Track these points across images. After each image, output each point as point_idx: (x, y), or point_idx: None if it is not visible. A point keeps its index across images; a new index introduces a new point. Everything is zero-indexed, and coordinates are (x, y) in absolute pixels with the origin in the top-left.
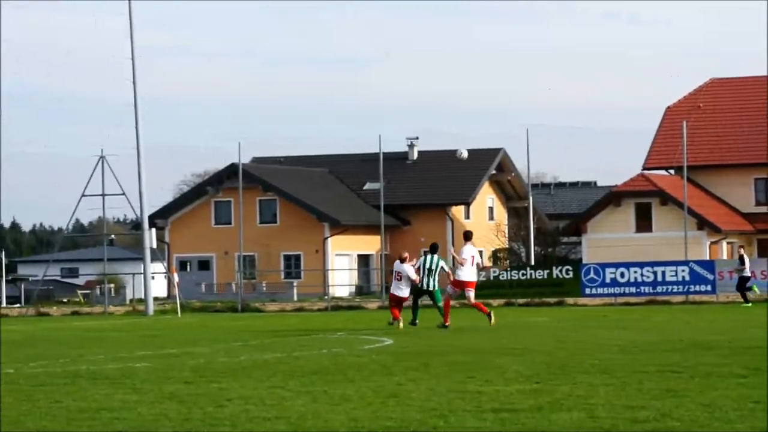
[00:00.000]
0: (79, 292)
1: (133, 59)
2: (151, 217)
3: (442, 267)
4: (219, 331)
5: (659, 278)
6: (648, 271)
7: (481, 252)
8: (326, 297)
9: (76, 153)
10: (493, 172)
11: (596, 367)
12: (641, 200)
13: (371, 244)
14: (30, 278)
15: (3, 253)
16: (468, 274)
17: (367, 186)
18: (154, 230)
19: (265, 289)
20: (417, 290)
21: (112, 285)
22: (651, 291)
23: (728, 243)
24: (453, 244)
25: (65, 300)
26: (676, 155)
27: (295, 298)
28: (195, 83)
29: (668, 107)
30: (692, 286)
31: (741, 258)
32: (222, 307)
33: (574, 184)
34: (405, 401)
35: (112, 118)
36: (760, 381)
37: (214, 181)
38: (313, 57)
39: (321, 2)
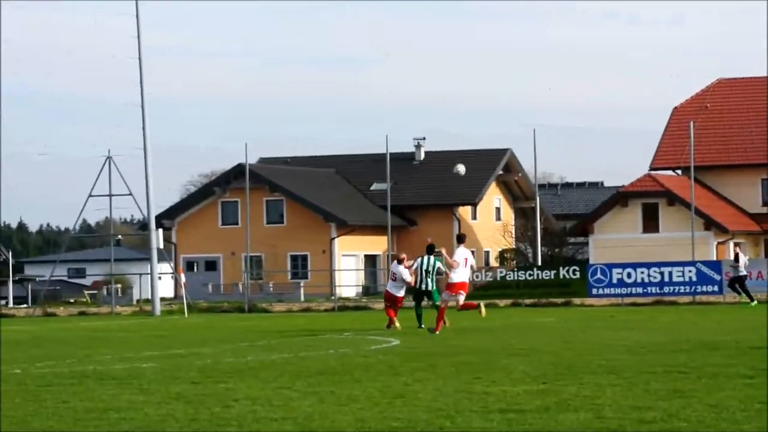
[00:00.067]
0: (86, 292)
1: (140, 60)
2: (158, 218)
3: (439, 267)
4: (226, 332)
5: (666, 279)
6: (655, 271)
7: (473, 252)
8: (333, 297)
9: (77, 153)
10: (500, 172)
11: (603, 367)
12: (648, 200)
13: (378, 245)
14: (37, 278)
15: (10, 253)
16: (461, 275)
17: (374, 186)
18: (161, 231)
19: (272, 289)
20: (417, 293)
21: (119, 285)
22: (658, 291)
23: (735, 243)
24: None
25: (72, 300)
26: (683, 155)
27: (302, 298)
28: (195, 83)
29: (675, 107)
30: (699, 287)
31: (736, 256)
32: (229, 308)
33: (581, 185)
34: (412, 402)
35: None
36: (766, 382)
37: (221, 181)
38: (313, 57)
39: (321, 2)
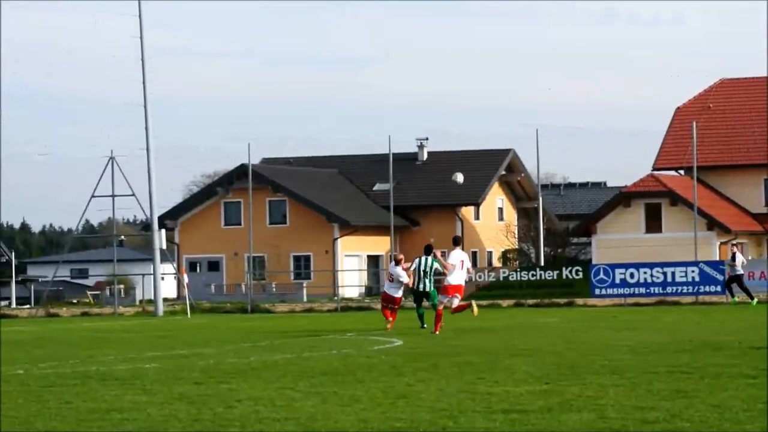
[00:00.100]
0: (88, 293)
1: (143, 60)
2: (161, 218)
3: (436, 268)
4: (228, 332)
5: (669, 279)
6: (658, 271)
7: (475, 252)
8: (336, 298)
9: (77, 153)
10: (503, 172)
11: (606, 367)
12: (651, 201)
13: (381, 245)
14: (40, 279)
15: (13, 254)
16: (456, 278)
17: (377, 187)
18: (163, 231)
19: (274, 289)
20: (416, 294)
21: (121, 286)
22: (661, 291)
23: (738, 243)
24: (462, 246)
25: (75, 301)
26: (686, 156)
27: (305, 298)
28: (195, 83)
29: (678, 108)
30: (702, 287)
31: (733, 255)
32: (231, 308)
33: (583, 185)
34: (415, 402)
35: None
36: None
37: (223, 181)
38: (313, 57)
39: (321, 2)
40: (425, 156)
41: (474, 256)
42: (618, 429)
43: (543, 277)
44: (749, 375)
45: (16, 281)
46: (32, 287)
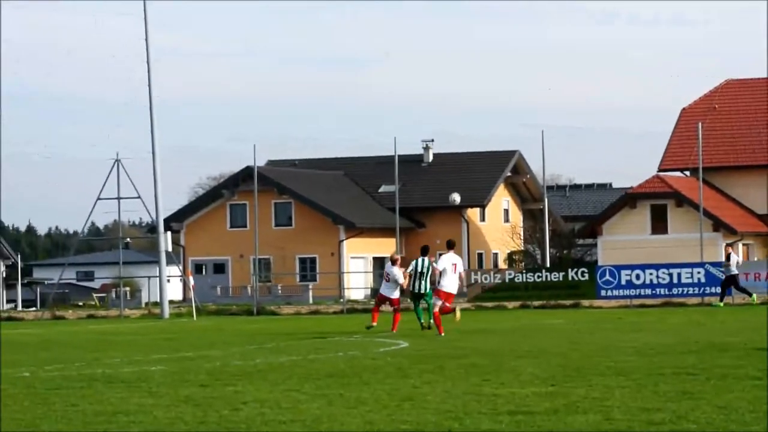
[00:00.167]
0: (94, 295)
1: (148, 62)
2: (167, 221)
3: (434, 268)
4: (234, 335)
5: (675, 280)
6: (663, 272)
7: (480, 253)
8: (342, 300)
9: (77, 153)
10: (509, 174)
11: (612, 369)
12: (657, 202)
13: (386, 247)
14: (46, 281)
15: (19, 256)
16: (448, 284)
17: (383, 188)
18: (169, 233)
19: (280, 292)
20: (413, 295)
21: (127, 288)
22: (666, 293)
23: (744, 245)
24: (468, 247)
25: (81, 303)
26: (691, 157)
27: (311, 300)
28: (194, 84)
29: (683, 108)
30: (708, 288)
31: (728, 256)
32: (237, 310)
33: (589, 186)
34: (420, 404)
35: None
36: None
37: (229, 184)
38: (313, 57)
39: (321, 2)
40: (431, 158)
41: (479, 258)
42: (624, 430)
43: (549, 279)
44: (755, 376)
45: (21, 284)
46: (38, 290)
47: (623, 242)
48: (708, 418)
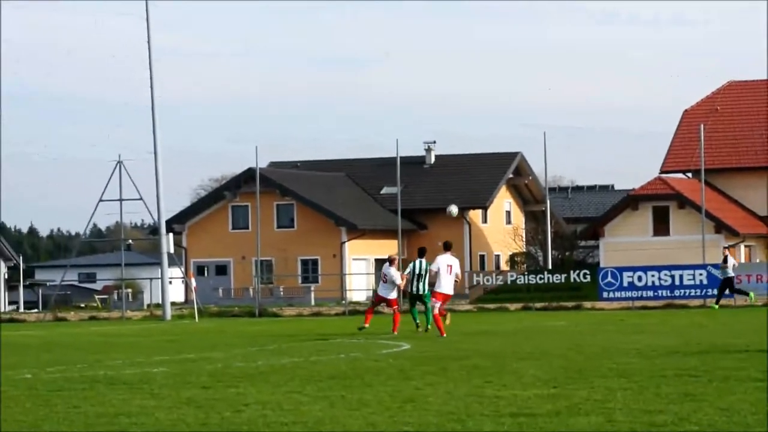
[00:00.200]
0: (96, 297)
1: (150, 64)
2: (169, 222)
3: (431, 270)
4: (236, 336)
5: (677, 282)
6: (665, 274)
7: (483, 257)
8: (344, 301)
9: (77, 154)
10: (510, 175)
11: (614, 371)
12: (659, 204)
13: (388, 249)
14: (48, 283)
15: (21, 258)
16: (444, 286)
17: (385, 190)
18: (171, 235)
19: (282, 293)
20: (411, 297)
21: (129, 290)
22: (668, 295)
23: (746, 246)
24: (470, 249)
25: (83, 305)
26: (693, 158)
27: (313, 302)
28: (193, 84)
29: (685, 110)
30: (710, 290)
31: (725, 258)
32: (239, 312)
33: (591, 188)
34: (422, 406)
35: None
36: None
37: (231, 185)
38: (314, 57)
39: (321, 2)
40: (433, 159)
41: (481, 260)
42: None
43: (551, 281)
44: (757, 378)
45: (23, 285)
46: (40, 291)
47: (625, 244)
48: (710, 420)
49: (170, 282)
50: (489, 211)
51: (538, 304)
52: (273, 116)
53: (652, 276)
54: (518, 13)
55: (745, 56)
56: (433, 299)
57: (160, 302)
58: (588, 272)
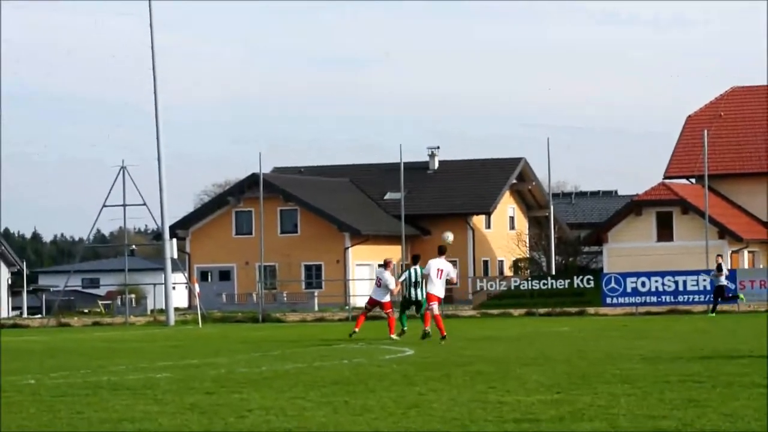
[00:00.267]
0: (100, 302)
1: (154, 70)
2: (172, 228)
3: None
4: (240, 342)
5: (680, 287)
6: (669, 280)
7: (486, 262)
8: (347, 307)
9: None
10: (514, 181)
11: (617, 376)
12: (662, 209)
13: (392, 254)
14: (51, 289)
15: (24, 263)
16: (433, 288)
17: (388, 196)
18: (174, 240)
19: (285, 299)
20: (405, 302)
21: (133, 295)
22: (672, 300)
23: (750, 252)
24: (474, 255)
25: (86, 310)
26: (697, 164)
27: (316, 308)
28: (193, 84)
29: (689, 116)
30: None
31: (719, 266)
32: (243, 318)
33: (594, 194)
34: (426, 411)
35: (113, 118)
36: None
37: (235, 191)
38: (313, 57)
39: (321, 2)
40: (436, 165)
41: (485, 265)
42: None
43: (554, 286)
44: (761, 384)
45: (27, 291)
46: (44, 297)
47: (629, 249)
48: (714, 425)
49: (174, 287)
50: (492, 217)
51: (542, 310)
52: (273, 116)
53: (656, 282)
54: (518, 13)
55: (745, 56)
56: (429, 302)
57: (164, 308)
58: (591, 278)
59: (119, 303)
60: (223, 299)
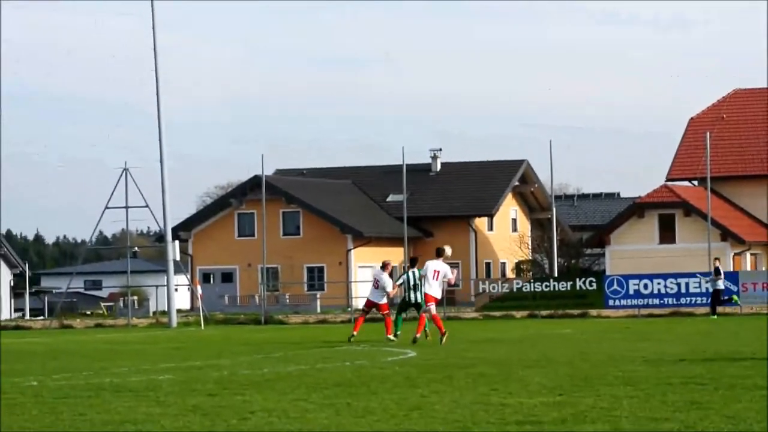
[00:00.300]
0: (102, 304)
1: (156, 72)
2: (175, 230)
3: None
4: (242, 344)
5: (683, 290)
6: (671, 282)
7: (489, 264)
8: (349, 309)
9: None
10: (516, 183)
11: (620, 379)
12: (665, 211)
13: (394, 256)
14: (53, 290)
15: (26, 265)
16: (430, 289)
17: (391, 198)
18: (177, 242)
19: (288, 301)
20: (404, 304)
21: (135, 297)
22: (674, 302)
23: (752, 254)
24: (476, 257)
25: (89, 312)
26: (699, 166)
27: (318, 310)
28: (192, 84)
29: (691, 118)
30: None
31: (717, 269)
32: (245, 320)
33: (597, 196)
34: (428, 413)
35: (113, 118)
36: None
37: (237, 193)
38: (313, 57)
39: (321, 2)
40: (438, 167)
41: (487, 267)
42: None
43: (557, 288)
44: (763, 386)
45: (29, 293)
46: (46, 299)
47: (631, 252)
48: (716, 428)
49: (176, 289)
50: (495, 219)
51: (544, 312)
52: (273, 117)
53: (658, 284)
54: (518, 13)
55: (745, 56)
56: (426, 303)
57: (166, 309)
58: (594, 280)
59: (122, 305)
60: (226, 301)
